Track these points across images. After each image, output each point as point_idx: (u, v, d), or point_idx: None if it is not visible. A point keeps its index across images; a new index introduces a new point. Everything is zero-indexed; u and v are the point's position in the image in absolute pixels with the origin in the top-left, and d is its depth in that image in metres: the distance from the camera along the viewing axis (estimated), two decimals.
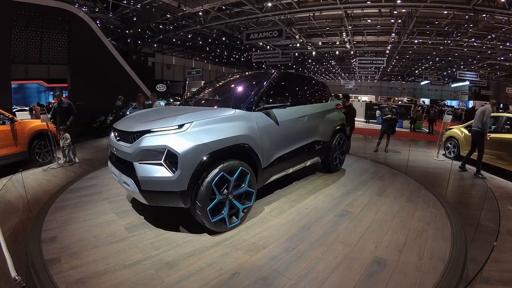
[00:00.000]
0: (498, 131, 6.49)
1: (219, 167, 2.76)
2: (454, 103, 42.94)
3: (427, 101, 44.41)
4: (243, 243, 2.75)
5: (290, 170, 4.04)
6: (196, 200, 2.69)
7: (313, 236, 2.90)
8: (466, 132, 7.42)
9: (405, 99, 38.21)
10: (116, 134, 3.17)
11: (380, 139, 8.56)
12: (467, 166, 6.58)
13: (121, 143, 3.00)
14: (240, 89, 4.10)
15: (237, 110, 3.19)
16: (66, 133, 6.33)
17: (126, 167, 2.93)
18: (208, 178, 2.69)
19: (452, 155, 7.85)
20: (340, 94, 7.55)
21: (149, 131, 2.75)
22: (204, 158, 2.68)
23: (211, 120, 2.92)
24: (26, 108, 18.18)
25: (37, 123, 6.50)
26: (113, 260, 2.44)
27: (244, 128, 3.09)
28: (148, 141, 2.69)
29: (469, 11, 12.97)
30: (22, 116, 13.40)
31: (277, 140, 3.57)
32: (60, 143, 6.34)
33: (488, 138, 6.50)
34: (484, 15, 13.55)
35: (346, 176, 5.17)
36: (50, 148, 6.45)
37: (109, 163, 3.43)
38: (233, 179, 2.88)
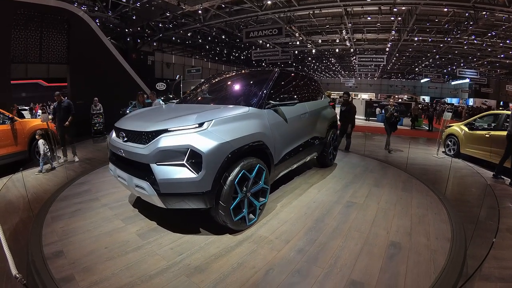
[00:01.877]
0: (498, 128, 6.50)
1: (240, 165, 2.75)
2: (454, 100, 42.88)
3: (427, 98, 44.36)
4: (265, 239, 2.79)
5: (295, 166, 4.15)
6: (220, 200, 2.64)
7: (329, 227, 3.06)
8: (466, 129, 7.42)
9: (405, 96, 38.17)
10: (124, 134, 2.93)
11: (388, 138, 8.37)
12: (466, 162, 6.58)
13: (131, 144, 2.81)
14: (247, 87, 4.06)
15: (250, 108, 3.18)
16: (41, 140, 5.69)
17: (138, 169, 2.74)
18: (231, 177, 2.67)
19: (452, 152, 7.86)
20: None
21: (166, 131, 2.61)
22: (227, 156, 2.65)
23: (229, 118, 2.86)
24: (26, 108, 18.18)
25: (37, 123, 6.50)
26: (136, 271, 2.27)
27: (259, 125, 3.12)
28: (167, 141, 2.55)
29: (469, 8, 12.92)
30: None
31: (286, 136, 3.64)
32: (40, 150, 5.69)
33: (488, 136, 6.52)
34: (484, 13, 13.50)
35: (340, 170, 5.40)
36: (50, 147, 6.46)
37: (111, 166, 3.19)
38: (252, 177, 2.90)
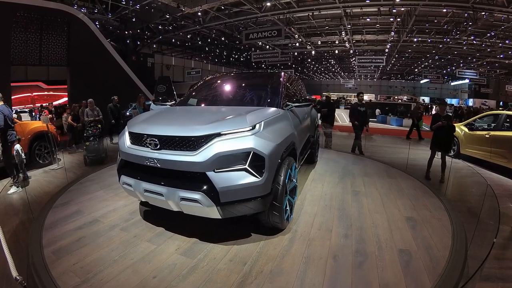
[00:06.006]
0: (498, 128, 6.50)
1: (286, 164, 2.80)
2: (454, 101, 42.91)
3: (426, 99, 44.39)
4: (310, 233, 2.92)
5: (301, 163, 4.32)
6: (274, 201, 2.62)
7: (353, 214, 3.40)
8: (466, 130, 7.42)
9: (405, 97, 38.22)
10: (156, 141, 2.54)
11: (430, 160, 5.75)
12: (467, 164, 6.56)
13: (170, 151, 2.48)
14: (261, 88, 4.00)
15: (278, 109, 3.20)
16: (17, 145, 5.06)
17: (184, 180, 2.45)
18: (282, 177, 2.68)
19: (452, 153, 7.84)
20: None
21: (219, 134, 2.42)
22: (280, 157, 2.69)
23: (272, 120, 2.83)
24: (26, 110, 18.19)
25: (37, 125, 6.50)
26: None
27: (291, 126, 3.22)
28: (226, 145, 2.37)
29: (468, 9, 12.95)
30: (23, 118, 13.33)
31: (300, 136, 3.78)
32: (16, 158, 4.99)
33: (488, 136, 6.52)
34: (483, 13, 13.53)
35: (326, 165, 5.74)
36: (50, 149, 6.46)
37: (129, 180, 2.72)
38: (292, 175, 3.00)
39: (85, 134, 7.16)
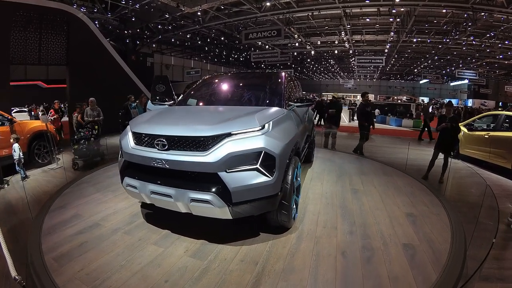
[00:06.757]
0: (497, 129, 6.51)
1: (293, 163, 2.83)
2: (454, 101, 42.97)
3: (426, 99, 44.45)
4: (316, 231, 2.97)
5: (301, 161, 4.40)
6: (283, 200, 2.64)
7: (355, 210, 3.48)
8: (465, 130, 7.43)
9: (404, 97, 38.24)
10: (164, 141, 2.49)
11: (432, 161, 5.61)
12: (468, 165, 6.57)
13: (179, 152, 2.45)
14: (266, 89, 3.96)
15: (283, 109, 3.21)
16: (15, 144, 5.14)
17: (195, 181, 2.42)
18: (290, 176, 2.71)
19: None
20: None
21: (229, 134, 2.41)
22: (289, 156, 2.72)
23: (279, 119, 2.83)
24: (25, 109, 18.14)
25: (36, 124, 6.49)
26: None
27: (295, 125, 3.24)
28: (238, 145, 2.36)
29: (467, 9, 12.95)
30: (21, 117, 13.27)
31: (302, 135, 3.81)
32: (15, 155, 5.16)
33: (487, 136, 6.52)
34: (482, 14, 13.53)
35: (323, 164, 5.82)
36: (49, 149, 6.45)
37: (134, 182, 2.65)
38: (298, 174, 3.05)
39: (75, 136, 6.58)
